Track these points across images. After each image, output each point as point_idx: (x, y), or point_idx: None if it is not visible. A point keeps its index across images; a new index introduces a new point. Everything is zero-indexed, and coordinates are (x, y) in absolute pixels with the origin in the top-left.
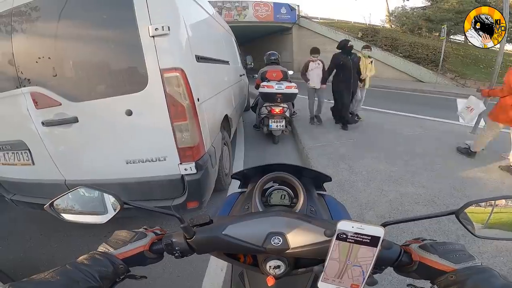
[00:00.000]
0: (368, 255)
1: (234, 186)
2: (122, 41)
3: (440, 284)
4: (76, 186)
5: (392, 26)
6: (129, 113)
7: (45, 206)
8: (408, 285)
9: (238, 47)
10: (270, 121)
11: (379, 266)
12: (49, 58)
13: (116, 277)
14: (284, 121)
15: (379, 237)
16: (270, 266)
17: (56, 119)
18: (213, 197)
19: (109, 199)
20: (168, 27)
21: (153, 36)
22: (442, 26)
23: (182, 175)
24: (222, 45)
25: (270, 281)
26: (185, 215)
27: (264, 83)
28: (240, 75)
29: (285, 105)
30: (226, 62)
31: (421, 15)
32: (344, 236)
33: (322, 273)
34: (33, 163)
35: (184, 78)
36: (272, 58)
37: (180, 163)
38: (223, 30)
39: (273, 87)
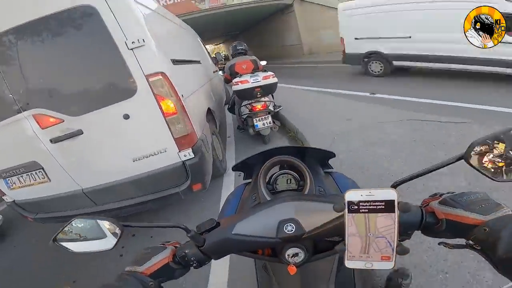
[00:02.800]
0: (388, 223)
1: (231, 173)
2: (107, 56)
3: (475, 239)
4: (72, 217)
5: None
6: (127, 117)
7: (49, 243)
8: (439, 243)
9: (204, 45)
10: (254, 121)
11: (405, 232)
12: (41, 80)
13: None
14: (269, 117)
15: (393, 200)
16: (288, 255)
17: (63, 135)
18: (214, 182)
19: (108, 225)
20: (143, 39)
21: (131, 49)
22: None
23: (183, 162)
24: (190, 47)
25: (292, 270)
26: (194, 201)
27: (237, 79)
28: (214, 71)
29: (266, 99)
30: (198, 62)
31: None
32: (356, 207)
33: (346, 252)
34: (49, 180)
35: (167, 79)
36: (238, 48)
37: (179, 151)
38: (186, 32)
39: (248, 81)
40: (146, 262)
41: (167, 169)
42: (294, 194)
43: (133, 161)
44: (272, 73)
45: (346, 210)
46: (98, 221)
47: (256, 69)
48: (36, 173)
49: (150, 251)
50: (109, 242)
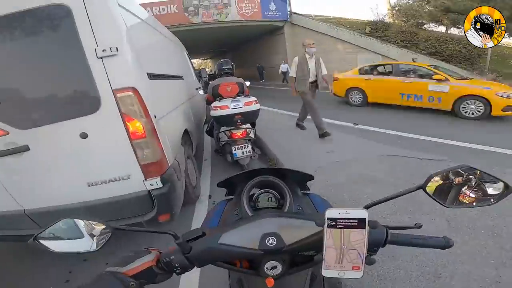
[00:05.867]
0: (359, 238)
1: (205, 199)
2: (70, 64)
3: None
4: (59, 219)
5: (396, 20)
6: (84, 136)
7: (29, 241)
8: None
9: (190, 60)
10: (233, 149)
11: (372, 248)
12: None
13: None
14: (249, 145)
15: (364, 219)
16: (267, 268)
17: (5, 149)
18: (185, 210)
19: (97, 227)
20: (116, 48)
21: (101, 58)
22: None
23: (149, 191)
24: (174, 61)
25: (270, 283)
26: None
27: (216, 104)
28: (196, 89)
29: (247, 126)
30: (180, 77)
31: (439, 5)
32: (334, 223)
33: (323, 261)
34: None
35: (138, 96)
36: (224, 67)
37: (145, 179)
38: (173, 44)
39: (228, 107)
40: (129, 264)
41: (129, 197)
42: (276, 211)
43: (88, 186)
44: (255, 99)
45: (326, 225)
46: (86, 222)
47: (241, 92)
48: None
49: (133, 254)
50: (94, 244)
